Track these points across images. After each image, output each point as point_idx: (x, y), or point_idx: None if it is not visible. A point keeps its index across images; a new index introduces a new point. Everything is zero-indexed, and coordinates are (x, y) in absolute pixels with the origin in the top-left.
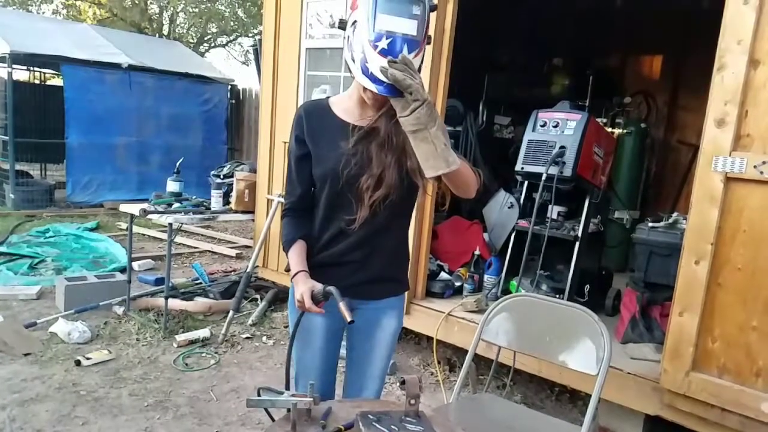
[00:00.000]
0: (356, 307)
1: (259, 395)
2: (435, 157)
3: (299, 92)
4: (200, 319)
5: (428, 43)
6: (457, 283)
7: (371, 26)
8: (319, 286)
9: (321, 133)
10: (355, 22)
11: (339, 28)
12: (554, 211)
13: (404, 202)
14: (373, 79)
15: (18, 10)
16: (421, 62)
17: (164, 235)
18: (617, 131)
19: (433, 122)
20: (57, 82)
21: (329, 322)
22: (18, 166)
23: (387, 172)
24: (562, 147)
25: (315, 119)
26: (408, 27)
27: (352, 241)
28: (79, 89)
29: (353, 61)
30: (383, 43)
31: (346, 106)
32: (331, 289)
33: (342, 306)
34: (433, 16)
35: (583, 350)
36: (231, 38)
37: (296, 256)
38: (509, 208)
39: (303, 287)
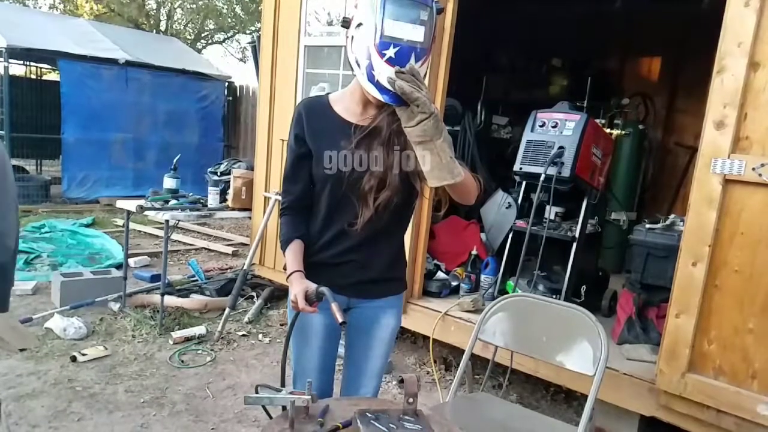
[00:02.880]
0: (354, 306)
1: (256, 392)
2: (440, 168)
3: (298, 90)
4: (196, 316)
5: (433, 42)
6: (454, 283)
7: (378, 32)
8: (312, 287)
9: (322, 132)
10: (360, 24)
11: (342, 26)
12: (552, 211)
13: (405, 204)
14: (379, 88)
15: (15, 4)
16: (428, 69)
17: (160, 232)
18: (615, 132)
19: (439, 135)
20: (53, 77)
21: (328, 321)
22: (14, 162)
23: (389, 173)
24: (560, 147)
25: (315, 118)
26: (416, 34)
27: (354, 242)
28: (75, 85)
29: (358, 65)
30: (391, 52)
31: (347, 105)
32: (324, 289)
33: (334, 307)
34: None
35: (580, 351)
36: (228, 35)
37: (292, 255)
38: (507, 208)
39: (297, 288)
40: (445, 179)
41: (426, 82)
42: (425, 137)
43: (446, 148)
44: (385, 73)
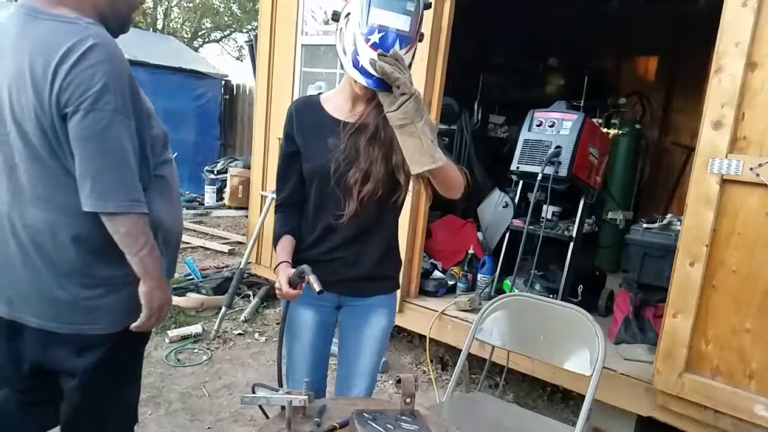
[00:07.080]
0: (344, 304)
1: (253, 392)
2: (421, 152)
3: (294, 88)
4: (192, 314)
5: (420, 41)
6: (451, 282)
7: (364, 20)
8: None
9: (310, 129)
10: (348, 14)
11: (332, 19)
12: (549, 211)
13: (389, 197)
14: (363, 72)
15: (11, 1)
16: (412, 59)
17: None
18: (612, 132)
19: (420, 117)
20: None
21: (318, 317)
22: None
23: (374, 167)
24: (557, 147)
25: (305, 116)
26: (401, 23)
27: (342, 238)
28: None
29: (344, 53)
30: (375, 37)
31: (337, 102)
32: (304, 267)
33: (311, 279)
34: (429, 13)
35: (577, 350)
36: (225, 33)
37: (281, 248)
38: (504, 207)
39: (281, 275)
40: (426, 164)
41: (422, 81)
42: (406, 119)
43: (427, 131)
44: (368, 56)
